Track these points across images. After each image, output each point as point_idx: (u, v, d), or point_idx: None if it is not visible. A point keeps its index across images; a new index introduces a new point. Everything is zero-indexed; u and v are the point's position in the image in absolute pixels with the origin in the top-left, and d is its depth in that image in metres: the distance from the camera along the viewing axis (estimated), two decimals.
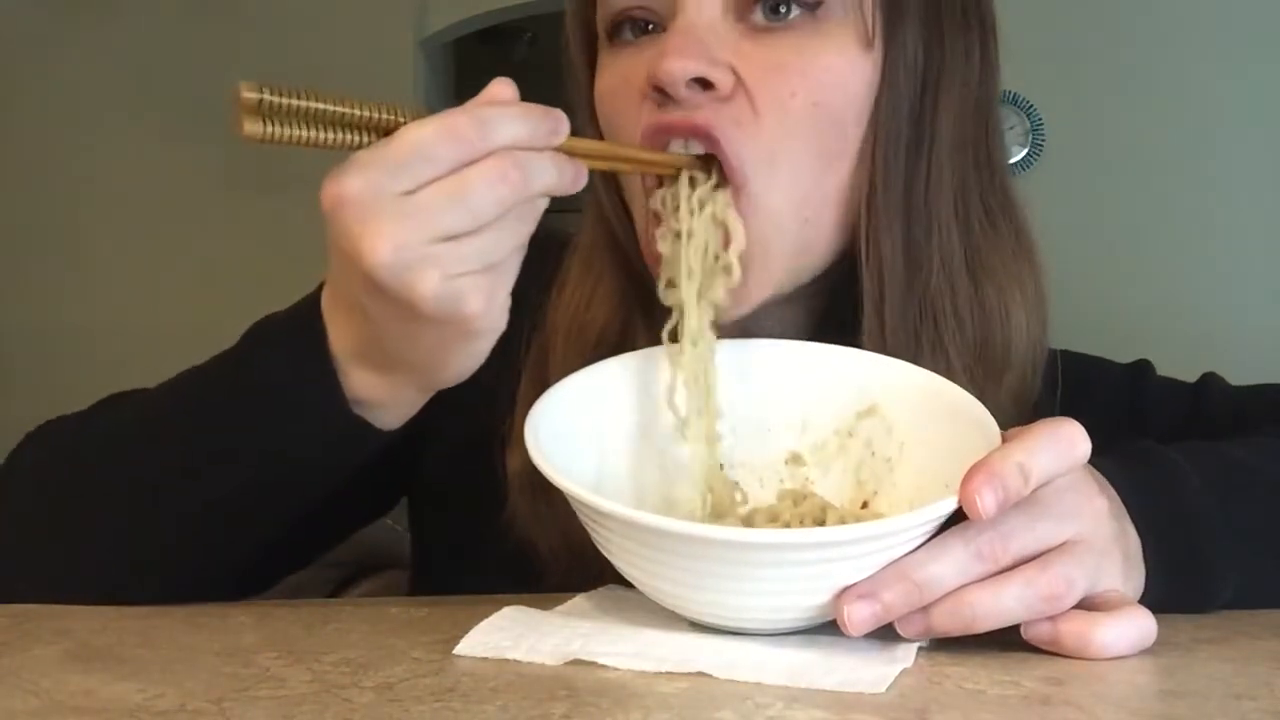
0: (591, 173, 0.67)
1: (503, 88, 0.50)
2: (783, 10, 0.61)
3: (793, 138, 0.60)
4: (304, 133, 0.47)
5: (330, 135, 0.48)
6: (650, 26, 0.63)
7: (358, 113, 0.48)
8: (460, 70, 3.96)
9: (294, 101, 0.46)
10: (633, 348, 0.61)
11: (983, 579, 0.46)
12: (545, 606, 0.52)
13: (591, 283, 0.68)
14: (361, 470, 0.59)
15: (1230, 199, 3.12)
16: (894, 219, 0.62)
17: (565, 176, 0.50)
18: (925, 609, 0.46)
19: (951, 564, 0.45)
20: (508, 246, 0.49)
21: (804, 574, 0.45)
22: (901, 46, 0.62)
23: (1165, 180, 3.11)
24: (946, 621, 0.45)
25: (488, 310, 0.50)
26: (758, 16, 0.61)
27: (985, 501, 0.44)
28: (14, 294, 3.28)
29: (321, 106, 0.47)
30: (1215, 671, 0.45)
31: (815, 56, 0.60)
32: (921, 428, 0.56)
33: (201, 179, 3.25)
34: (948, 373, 0.60)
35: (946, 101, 0.63)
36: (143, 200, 3.29)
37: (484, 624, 0.48)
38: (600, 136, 0.66)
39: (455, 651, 0.45)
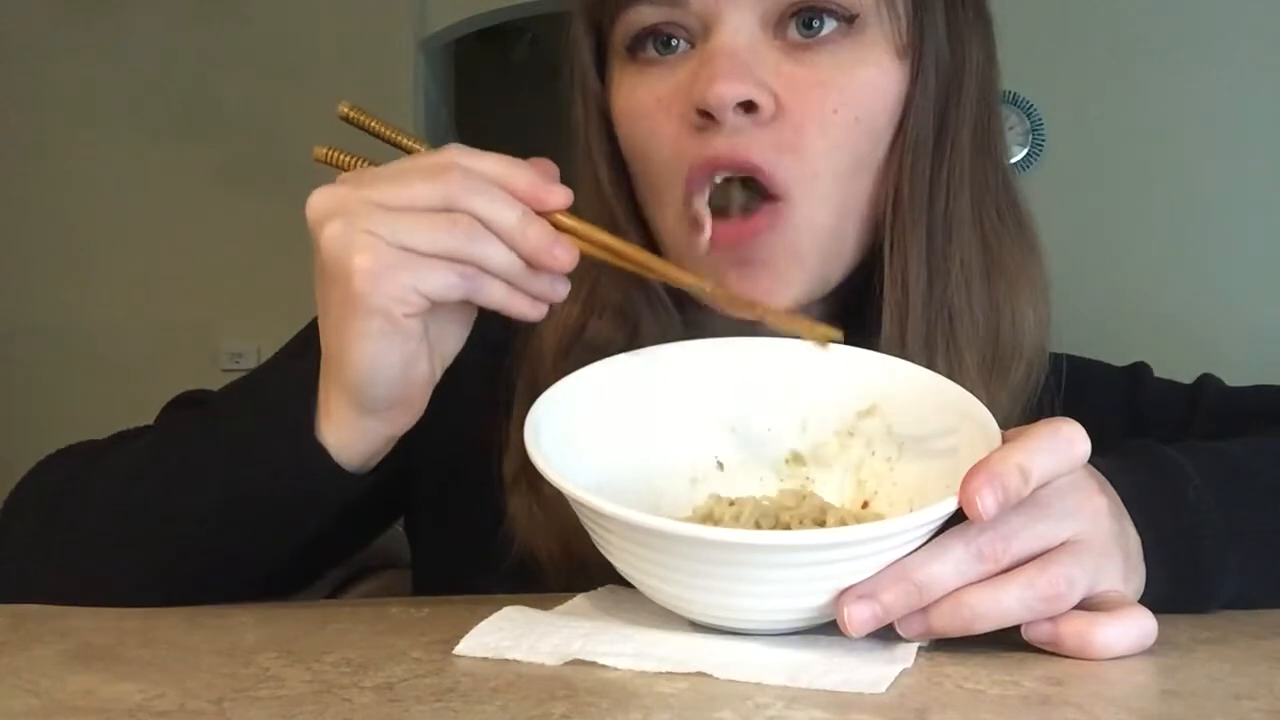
0: (590, 171, 0.67)
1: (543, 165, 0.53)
2: (816, 25, 0.61)
3: (835, 152, 0.61)
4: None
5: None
6: (674, 42, 0.63)
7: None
8: (460, 70, 3.96)
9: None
10: (642, 344, 0.61)
11: (983, 579, 0.46)
12: (545, 606, 0.52)
13: (589, 285, 0.68)
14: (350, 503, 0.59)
15: (1230, 199, 3.12)
16: (918, 226, 0.63)
17: (525, 227, 0.51)
18: (925, 610, 0.46)
19: (951, 564, 0.45)
20: (424, 239, 0.50)
21: (804, 575, 0.45)
22: (931, 53, 0.63)
23: (1165, 180, 3.11)
24: (946, 622, 0.45)
25: (373, 274, 0.50)
26: (793, 32, 0.61)
27: (985, 502, 0.44)
28: (14, 294, 3.29)
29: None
30: (1215, 671, 0.45)
31: (854, 71, 0.61)
32: (922, 427, 0.56)
33: (201, 179, 3.25)
34: (961, 371, 0.61)
35: (966, 102, 0.65)
36: (142, 200, 3.29)
37: (484, 624, 0.48)
38: (612, 152, 0.66)
39: (455, 651, 0.45)
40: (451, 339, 0.56)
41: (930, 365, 0.59)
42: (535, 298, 0.53)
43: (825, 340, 0.55)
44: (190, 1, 3.29)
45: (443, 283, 0.51)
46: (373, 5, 3.31)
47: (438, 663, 0.44)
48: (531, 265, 0.52)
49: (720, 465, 0.59)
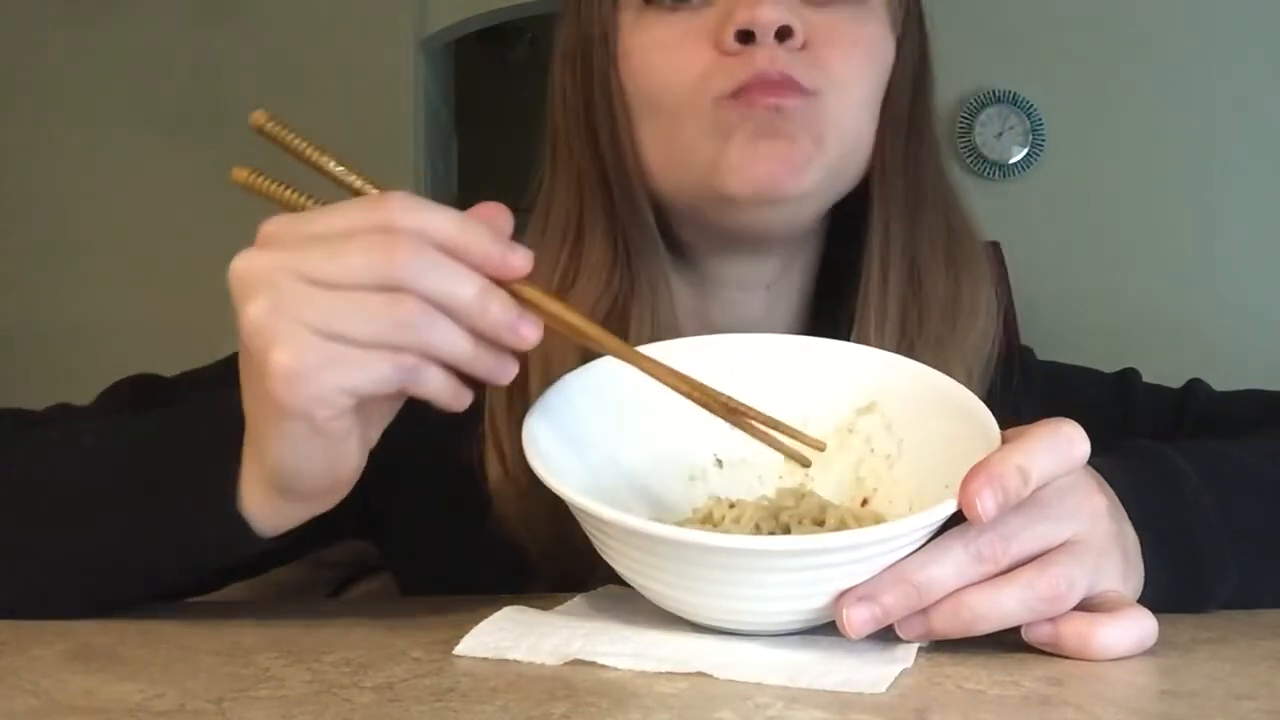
0: (585, 130, 0.69)
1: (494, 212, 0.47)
2: None
3: (856, 76, 0.67)
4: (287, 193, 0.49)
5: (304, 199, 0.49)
6: None
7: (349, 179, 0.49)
8: (460, 70, 3.96)
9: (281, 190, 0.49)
10: (628, 320, 0.62)
11: (982, 581, 0.46)
12: (545, 607, 0.52)
13: (575, 266, 0.68)
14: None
15: (1230, 199, 3.12)
16: (898, 187, 0.69)
17: (486, 304, 0.45)
18: (925, 611, 0.46)
19: (951, 566, 0.45)
20: (359, 328, 0.43)
21: (803, 579, 0.45)
22: (910, 36, 0.70)
23: (1165, 180, 3.11)
24: (946, 623, 0.45)
25: (293, 374, 0.43)
26: None
27: (985, 504, 0.44)
28: (14, 294, 3.29)
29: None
30: (1215, 671, 0.45)
31: (864, 26, 0.68)
32: (921, 424, 0.56)
33: (201, 178, 3.25)
34: (924, 326, 0.68)
35: (927, 104, 0.72)
36: (142, 200, 3.29)
37: (484, 624, 0.48)
38: (621, 105, 0.67)
39: (455, 651, 0.45)
40: (383, 418, 0.50)
41: (902, 315, 0.66)
42: (475, 381, 0.47)
43: (806, 459, 0.54)
44: (190, 1, 3.29)
45: (376, 378, 0.44)
46: (373, 5, 3.31)
47: (438, 663, 0.44)
48: (490, 344, 0.46)
49: (719, 463, 0.59)
